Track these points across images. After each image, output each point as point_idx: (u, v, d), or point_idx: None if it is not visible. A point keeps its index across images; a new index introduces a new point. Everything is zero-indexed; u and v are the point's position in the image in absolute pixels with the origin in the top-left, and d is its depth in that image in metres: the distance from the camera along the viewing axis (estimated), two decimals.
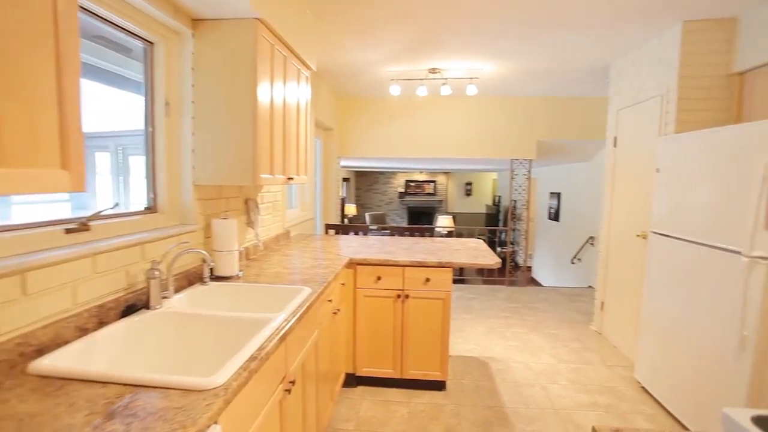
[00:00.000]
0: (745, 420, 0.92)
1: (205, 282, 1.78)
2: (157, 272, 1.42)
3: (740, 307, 1.97)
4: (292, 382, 1.41)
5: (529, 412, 2.47)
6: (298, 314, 1.48)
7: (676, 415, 2.38)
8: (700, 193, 2.28)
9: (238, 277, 1.98)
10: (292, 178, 2.35)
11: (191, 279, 1.81)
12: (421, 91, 4.27)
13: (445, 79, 4.14)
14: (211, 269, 1.95)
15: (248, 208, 2.48)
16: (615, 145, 3.65)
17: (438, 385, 2.70)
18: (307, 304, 1.60)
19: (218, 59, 1.79)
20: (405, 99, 5.32)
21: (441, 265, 2.54)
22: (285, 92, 2.18)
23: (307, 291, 1.73)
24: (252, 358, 1.09)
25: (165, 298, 1.50)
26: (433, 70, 4.02)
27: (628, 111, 3.46)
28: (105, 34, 1.58)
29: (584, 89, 4.75)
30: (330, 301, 2.13)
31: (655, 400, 2.60)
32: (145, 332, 1.33)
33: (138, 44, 1.67)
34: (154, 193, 1.76)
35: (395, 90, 4.27)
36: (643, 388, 2.74)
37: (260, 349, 1.15)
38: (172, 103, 1.77)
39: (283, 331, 1.31)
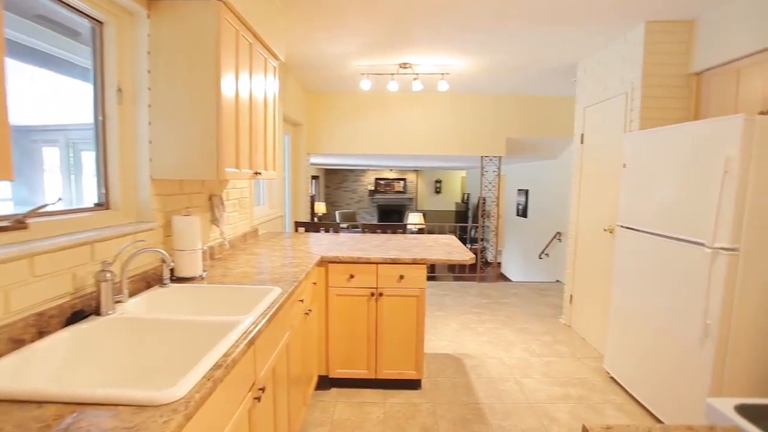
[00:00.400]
0: (728, 409, 0.92)
1: (165, 284, 1.65)
2: (108, 274, 1.29)
3: (704, 297, 2.03)
4: (262, 389, 1.32)
5: (505, 406, 2.47)
6: (268, 316, 1.38)
7: (644, 404, 2.44)
8: (665, 187, 2.35)
9: (201, 278, 1.85)
10: (259, 173, 2.23)
11: (149, 281, 1.67)
12: (392, 86, 4.21)
13: (416, 74, 4.11)
14: (172, 270, 1.81)
15: (212, 204, 2.34)
16: (582, 142, 3.73)
17: (413, 384, 2.65)
18: (278, 305, 1.50)
19: (178, 43, 1.65)
20: (376, 95, 5.26)
21: (415, 262, 2.49)
22: (251, 81, 2.06)
23: (277, 291, 1.63)
24: (217, 366, 0.99)
25: (119, 302, 1.37)
26: (404, 65, 3.97)
27: (594, 108, 3.55)
28: (48, 13, 1.42)
29: (552, 88, 4.85)
30: (301, 301, 2.04)
31: (624, 389, 2.66)
32: (94, 341, 1.20)
33: (85, 24, 1.51)
34: (106, 188, 1.61)
35: (366, 84, 4.20)
36: (612, 378, 2.81)
37: (226, 355, 1.05)
38: (126, 90, 1.62)
39: (252, 335, 1.22)
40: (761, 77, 2.36)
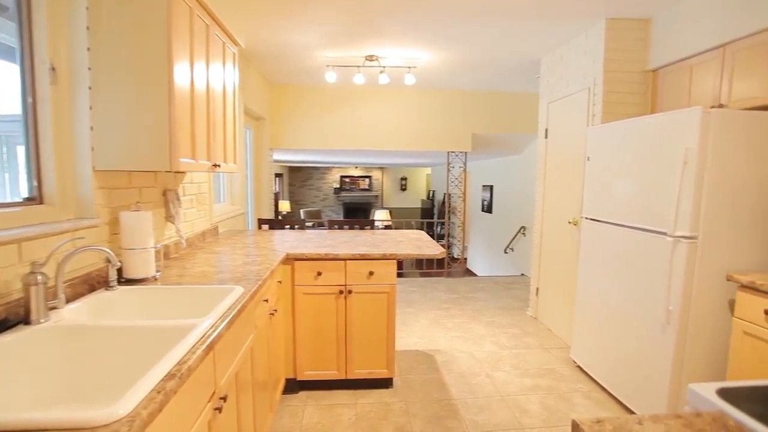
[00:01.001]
0: (710, 394, 0.92)
1: (112, 286, 1.48)
2: (39, 277, 1.12)
3: (666, 284, 2.09)
4: (224, 399, 1.20)
5: (477, 401, 2.45)
6: (229, 317, 1.26)
7: (610, 390, 2.50)
8: (627, 178, 2.40)
9: (155, 279, 1.69)
10: (218, 165, 2.08)
11: (93, 284, 1.50)
12: (359, 79, 4.12)
13: (383, 67, 4.03)
14: (121, 271, 1.64)
15: (167, 199, 2.16)
16: (546, 137, 3.80)
17: (385, 383, 2.59)
18: (240, 305, 1.38)
19: (122, 18, 1.49)
20: (342, 89, 5.14)
21: (384, 257, 2.42)
22: (208, 66, 1.91)
23: (239, 290, 1.51)
24: (169, 376, 0.87)
25: (53, 308, 1.20)
26: (370, 57, 3.88)
27: (557, 104, 3.61)
28: None
29: (517, 85, 4.92)
30: (266, 301, 1.92)
31: (590, 377, 2.72)
32: (21, 355, 1.04)
33: None
34: (39, 181, 1.42)
35: (331, 77, 4.08)
36: (578, 367, 2.86)
37: (180, 363, 0.93)
38: (61, 69, 1.44)
39: (211, 339, 1.10)
40: (711, 74, 2.46)
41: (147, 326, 1.15)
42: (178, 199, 2.25)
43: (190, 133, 1.71)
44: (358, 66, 4.04)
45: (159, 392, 0.80)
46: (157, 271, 1.77)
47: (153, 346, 1.13)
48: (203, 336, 1.10)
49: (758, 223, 2.03)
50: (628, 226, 2.38)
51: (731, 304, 2.05)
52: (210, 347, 1.09)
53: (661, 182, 2.15)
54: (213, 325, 1.18)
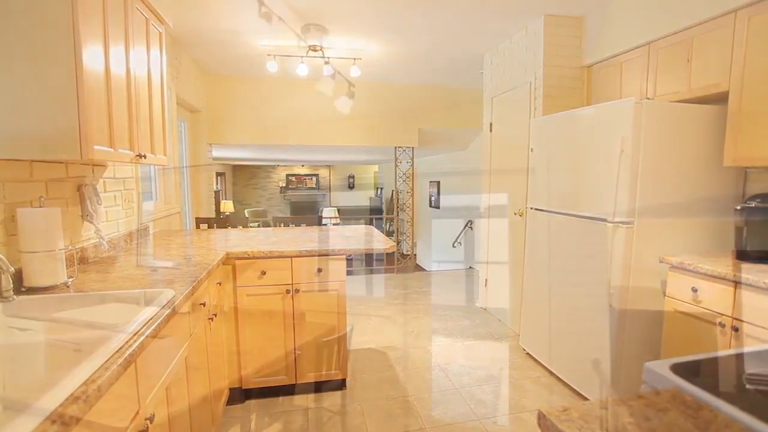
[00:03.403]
0: (664, 369, 0.92)
1: (7, 297, 1.24)
2: None
3: (606, 268, 2.18)
4: (150, 419, 1.04)
5: (432, 396, 2.41)
6: (156, 324, 1.10)
7: (558, 374, 2.58)
8: (569, 168, 2.48)
9: (66, 286, 1.46)
10: (144, 156, 1.85)
11: None
12: (302, 70, 3.95)
13: (327, 58, 3.89)
14: (20, 278, 1.39)
15: (83, 196, 1.89)
16: (491, 131, 3.87)
17: (338, 385, 2.47)
18: (170, 310, 1.21)
19: None
20: (285, 81, 4.92)
21: (333, 253, 2.31)
22: (128, 42, 1.68)
23: (168, 294, 1.33)
24: (72, 400, 0.71)
25: None
26: (313, 48, 3.72)
27: (501, 98, 3.69)
28: None
29: (462, 80, 4.99)
30: (203, 304, 1.73)
31: (539, 363, 2.79)
32: None
33: None
34: None
35: (272, 66, 3.87)
36: (528, 354, 2.93)
37: (88, 382, 0.77)
38: None
39: (131, 350, 0.93)
40: (638, 71, 2.61)
41: (48, 341, 0.96)
42: (97, 196, 1.99)
43: (106, 116, 1.49)
44: (301, 56, 3.87)
45: (54, 422, 0.64)
46: (70, 277, 1.53)
47: (55, 366, 0.94)
48: (121, 348, 0.93)
49: (684, 207, 2.17)
50: (570, 215, 2.46)
51: (663, 285, 2.18)
52: (130, 360, 0.92)
53: (599, 170, 2.23)
54: (135, 334, 1.01)
